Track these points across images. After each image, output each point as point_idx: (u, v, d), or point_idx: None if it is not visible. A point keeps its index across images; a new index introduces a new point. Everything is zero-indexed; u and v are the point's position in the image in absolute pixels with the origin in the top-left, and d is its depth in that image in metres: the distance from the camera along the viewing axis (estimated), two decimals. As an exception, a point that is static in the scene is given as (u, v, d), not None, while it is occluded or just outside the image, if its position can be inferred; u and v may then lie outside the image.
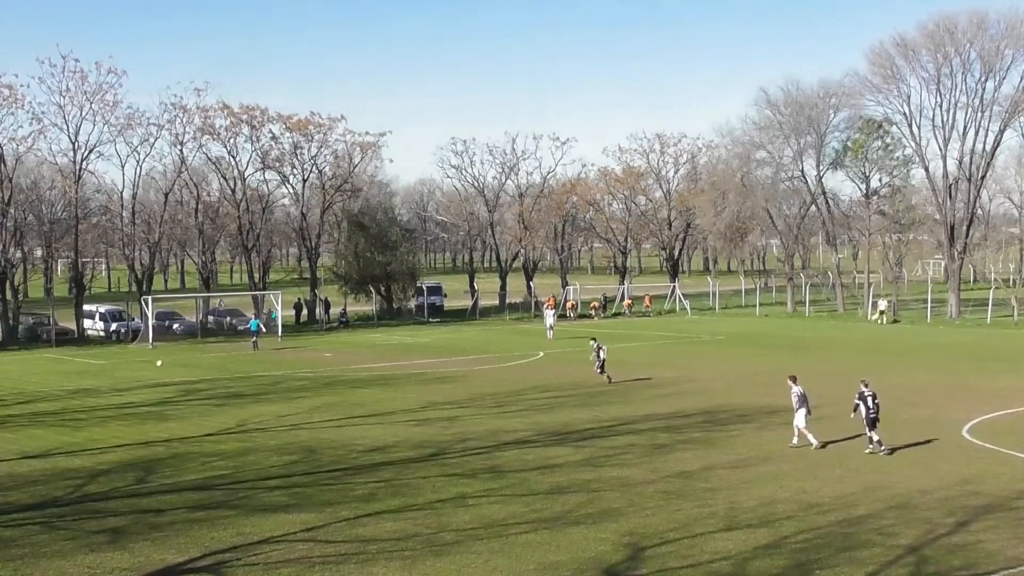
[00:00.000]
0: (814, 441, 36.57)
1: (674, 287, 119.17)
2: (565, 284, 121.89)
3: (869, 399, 36.05)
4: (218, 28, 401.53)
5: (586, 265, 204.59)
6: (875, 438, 35.72)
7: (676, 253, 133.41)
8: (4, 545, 26.21)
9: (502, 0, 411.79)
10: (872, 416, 35.80)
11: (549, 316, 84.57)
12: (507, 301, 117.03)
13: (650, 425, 42.14)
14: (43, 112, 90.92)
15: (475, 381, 57.26)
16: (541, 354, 70.85)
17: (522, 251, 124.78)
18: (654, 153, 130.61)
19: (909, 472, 32.66)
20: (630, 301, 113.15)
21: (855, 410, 36.50)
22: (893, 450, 35.62)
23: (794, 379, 38.20)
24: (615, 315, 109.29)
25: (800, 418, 37.12)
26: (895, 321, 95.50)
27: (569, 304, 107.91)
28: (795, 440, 36.45)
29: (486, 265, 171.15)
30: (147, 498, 31.04)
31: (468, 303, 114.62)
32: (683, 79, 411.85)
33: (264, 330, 79.30)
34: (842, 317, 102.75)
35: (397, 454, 37.10)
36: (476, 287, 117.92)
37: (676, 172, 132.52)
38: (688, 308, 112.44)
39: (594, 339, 57.27)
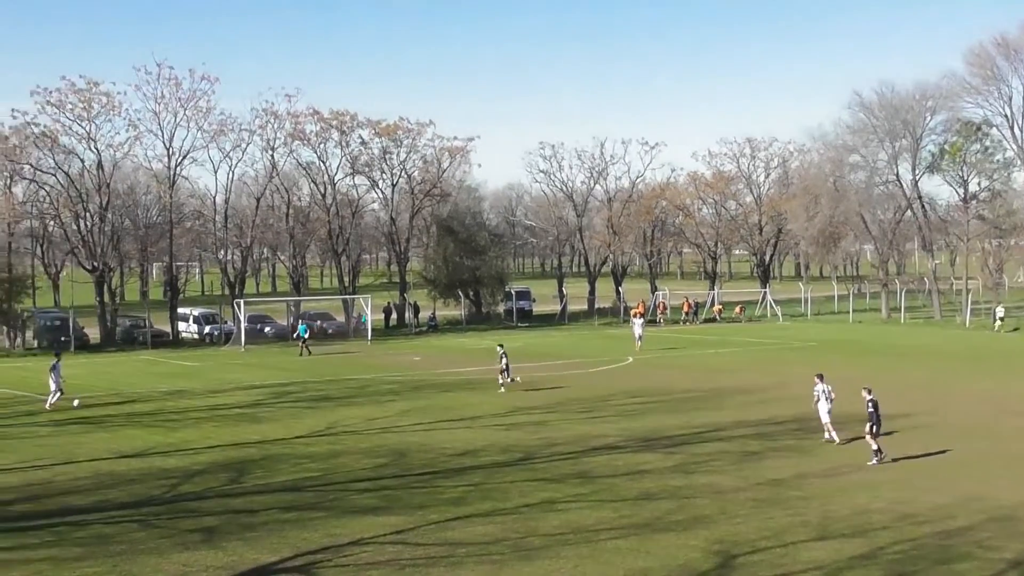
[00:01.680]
0: (836, 437, 38.93)
1: (765, 293, 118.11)
2: (654, 290, 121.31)
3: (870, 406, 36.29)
4: (308, 35, 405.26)
5: (675, 270, 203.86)
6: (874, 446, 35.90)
7: (767, 258, 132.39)
8: (103, 542, 26.67)
9: (590, 5, 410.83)
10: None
11: (638, 326, 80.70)
12: (596, 306, 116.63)
13: (741, 432, 41.94)
14: (139, 119, 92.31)
15: (565, 386, 57.17)
16: (630, 359, 70.65)
17: (611, 256, 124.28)
18: (744, 157, 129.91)
19: (1010, 484, 32.13)
20: (720, 307, 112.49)
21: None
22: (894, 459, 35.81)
23: (820, 377, 40.23)
24: (707, 320, 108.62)
25: (823, 412, 39.43)
26: (1015, 329, 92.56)
27: (660, 308, 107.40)
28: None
29: (575, 270, 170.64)
30: (240, 498, 31.42)
31: (557, 308, 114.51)
32: (774, 83, 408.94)
33: (306, 337, 79.22)
34: (939, 324, 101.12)
35: (486, 458, 37.22)
36: (565, 292, 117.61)
37: (767, 176, 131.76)
38: (779, 314, 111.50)
39: (501, 345, 58.09)
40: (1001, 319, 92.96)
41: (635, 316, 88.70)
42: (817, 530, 27.14)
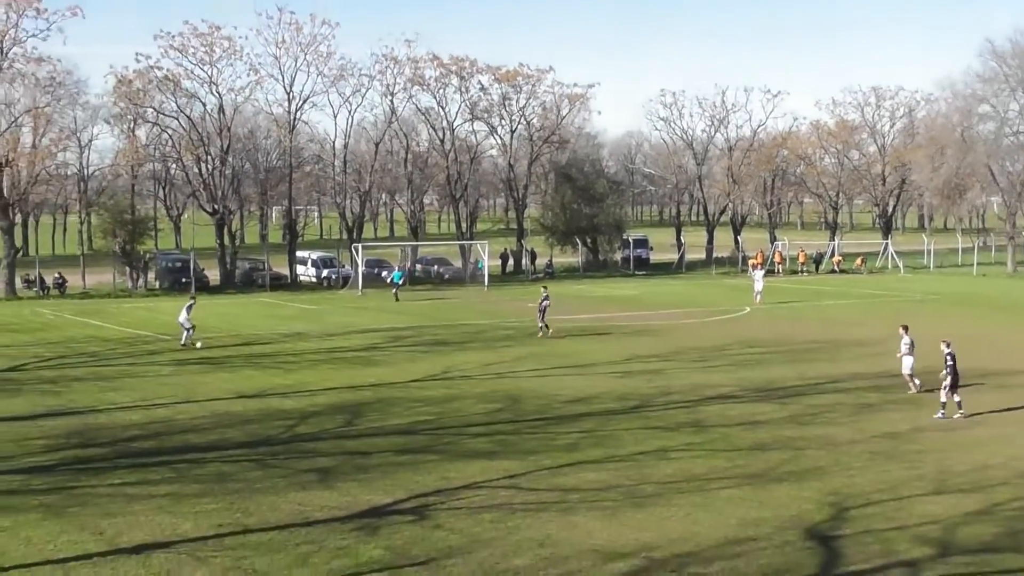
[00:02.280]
0: (915, 386, 39.06)
1: (887, 244, 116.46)
2: (773, 239, 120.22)
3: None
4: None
5: (795, 220, 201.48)
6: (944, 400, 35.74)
7: (889, 209, 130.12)
8: (221, 480, 27.24)
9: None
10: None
11: (759, 280, 76.68)
12: (714, 255, 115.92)
13: (857, 384, 41.52)
14: (260, 63, 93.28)
15: (679, 335, 57.07)
16: (747, 309, 70.20)
17: (730, 205, 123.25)
18: (869, 107, 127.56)
19: None
20: (840, 258, 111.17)
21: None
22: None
23: (905, 328, 39.90)
24: (831, 272, 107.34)
25: (907, 366, 39.35)
26: None
27: (778, 259, 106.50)
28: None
29: (693, 219, 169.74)
30: (354, 440, 31.88)
31: (674, 256, 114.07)
32: (901, 31, 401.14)
33: (400, 284, 79.43)
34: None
35: (600, 405, 37.29)
36: (683, 240, 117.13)
37: (892, 126, 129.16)
38: (901, 266, 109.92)
39: (544, 287, 60.46)
40: None
41: (753, 268, 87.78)
42: (933, 484, 26.86)
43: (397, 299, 77.72)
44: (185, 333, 52.02)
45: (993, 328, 59.72)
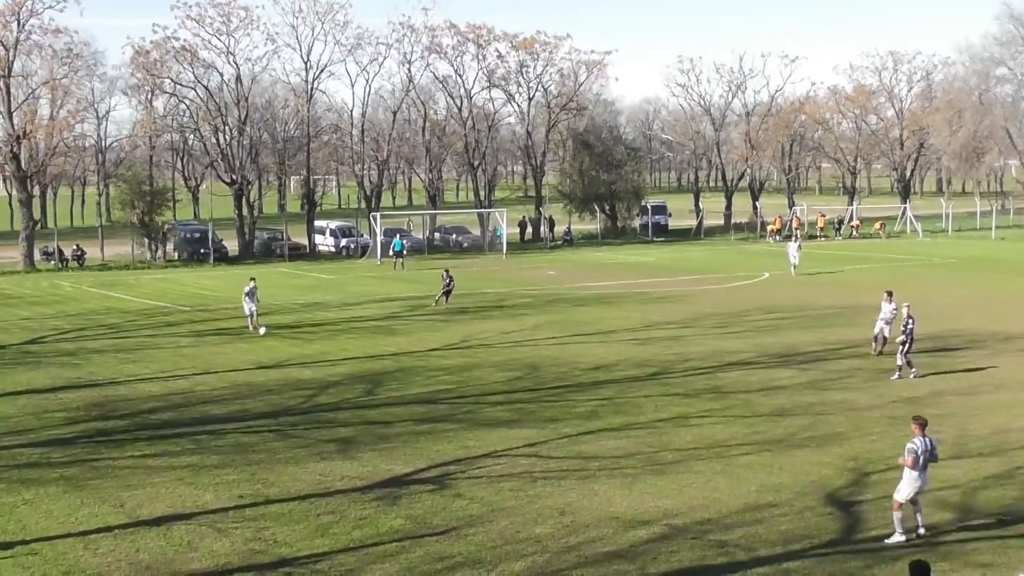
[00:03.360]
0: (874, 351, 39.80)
1: (905, 208, 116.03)
2: (792, 205, 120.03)
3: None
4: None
5: (814, 185, 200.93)
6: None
7: (908, 173, 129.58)
8: (242, 450, 27.33)
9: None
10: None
11: (793, 253, 70.41)
12: (732, 221, 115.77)
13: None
14: (277, 33, 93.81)
15: (698, 301, 56.99)
16: (766, 275, 70.02)
17: (748, 171, 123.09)
18: (887, 71, 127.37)
19: None
20: (859, 222, 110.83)
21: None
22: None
23: (890, 294, 40.25)
24: (850, 236, 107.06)
25: (877, 328, 40.11)
26: None
27: (795, 223, 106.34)
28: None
29: (711, 185, 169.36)
30: (374, 410, 31.90)
31: (693, 223, 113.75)
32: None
33: (403, 253, 79.38)
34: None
35: (619, 373, 37.29)
36: (701, 207, 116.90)
37: (910, 90, 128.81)
38: (919, 230, 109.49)
39: (447, 270, 57.35)
40: None
41: (775, 235, 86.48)
42: (953, 449, 26.76)
43: (394, 267, 77.90)
44: (250, 320, 48.42)
45: (1014, 291, 59.46)
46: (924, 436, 20.81)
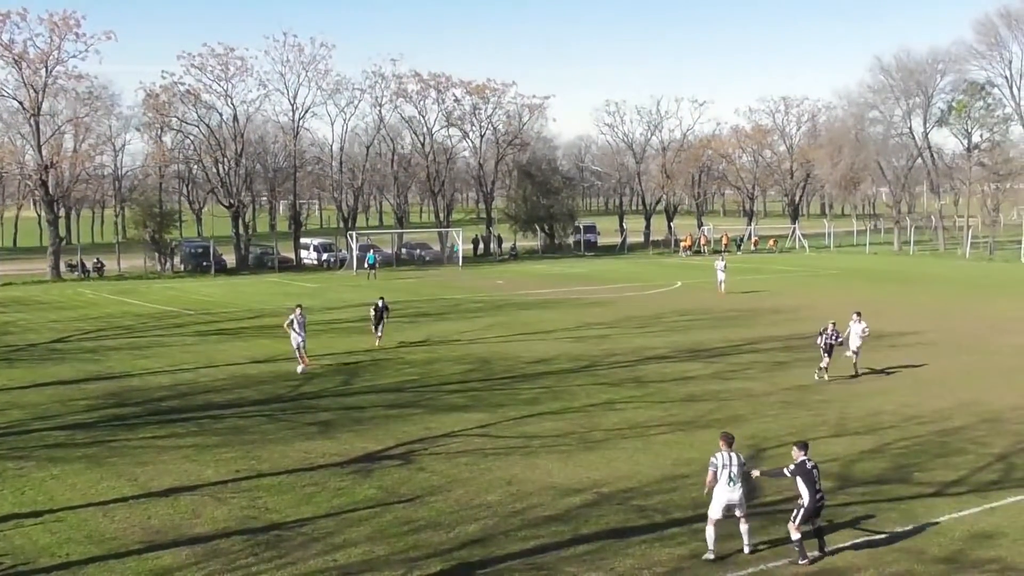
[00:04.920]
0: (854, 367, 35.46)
1: (795, 228, 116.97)
2: (700, 225, 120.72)
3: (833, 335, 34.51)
4: (411, 6, 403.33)
5: (719, 209, 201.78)
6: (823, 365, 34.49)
7: (796, 199, 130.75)
8: (238, 432, 27.14)
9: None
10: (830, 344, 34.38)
11: (720, 269, 64.05)
12: (651, 239, 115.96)
13: (771, 345, 41.74)
14: (268, 79, 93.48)
15: (622, 306, 57.09)
16: (679, 284, 70.26)
17: (664, 196, 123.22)
18: (779, 113, 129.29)
19: (1001, 391, 31.75)
20: (757, 239, 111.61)
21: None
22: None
23: (858, 315, 35.90)
24: (749, 251, 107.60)
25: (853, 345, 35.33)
26: None
27: (702, 240, 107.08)
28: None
29: (633, 208, 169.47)
30: (351, 397, 31.74)
31: (618, 240, 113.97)
32: (808, 49, 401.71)
33: (375, 264, 79.32)
34: (943, 256, 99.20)
35: (556, 365, 37.30)
36: (625, 226, 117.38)
37: (798, 129, 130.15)
38: (807, 246, 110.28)
39: (299, 305, 38.89)
40: None
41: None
42: (834, 428, 27.03)
43: (367, 278, 77.31)
44: (298, 352, 36.71)
45: (884, 296, 59.99)
46: (730, 451, 18.12)
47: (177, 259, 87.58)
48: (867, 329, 35.35)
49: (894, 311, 53.06)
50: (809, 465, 17.93)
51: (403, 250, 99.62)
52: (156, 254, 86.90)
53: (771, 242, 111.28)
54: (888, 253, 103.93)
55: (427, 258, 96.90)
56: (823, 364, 34.39)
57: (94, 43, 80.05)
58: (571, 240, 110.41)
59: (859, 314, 35.91)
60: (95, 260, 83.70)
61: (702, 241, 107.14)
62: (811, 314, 51.65)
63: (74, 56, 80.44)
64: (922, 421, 27.83)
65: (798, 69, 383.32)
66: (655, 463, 23.84)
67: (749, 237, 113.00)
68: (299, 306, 38.18)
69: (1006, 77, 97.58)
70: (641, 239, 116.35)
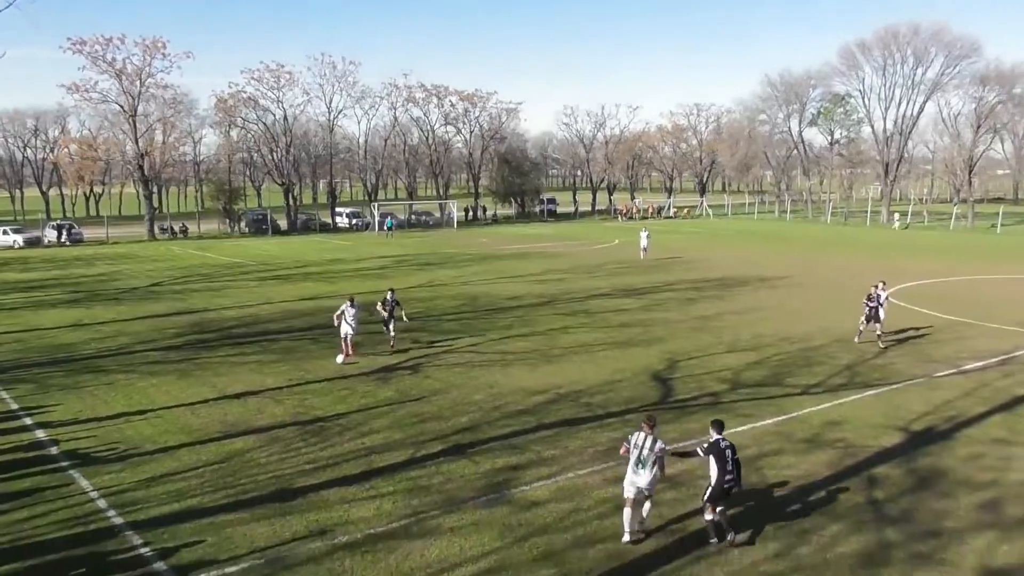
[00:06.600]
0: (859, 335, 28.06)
1: (702, 200, 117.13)
2: (632, 197, 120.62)
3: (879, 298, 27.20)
4: (416, 30, 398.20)
5: (647, 186, 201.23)
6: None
7: (704, 179, 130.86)
8: (289, 351, 27.20)
9: (613, 17, 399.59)
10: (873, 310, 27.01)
11: (644, 237, 56.23)
12: (596, 207, 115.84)
13: (684, 286, 41.85)
14: (309, 89, 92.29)
15: (575, 257, 57.14)
16: (617, 241, 70.24)
17: (606, 177, 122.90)
18: (693, 115, 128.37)
19: (848, 319, 31.98)
20: (676, 209, 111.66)
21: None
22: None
23: (883, 283, 28.20)
24: (667, 218, 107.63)
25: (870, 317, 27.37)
26: (906, 227, 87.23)
27: (634, 209, 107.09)
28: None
29: (583, 185, 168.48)
30: (374, 326, 31.78)
31: (572, 209, 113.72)
32: (714, 67, 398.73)
33: (392, 228, 79.69)
34: (811, 222, 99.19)
35: (526, 301, 37.39)
36: (577, 199, 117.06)
37: (707, 127, 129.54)
38: (711, 214, 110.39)
39: (392, 290, 30.29)
40: (899, 220, 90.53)
41: (625, 215, 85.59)
42: (728, 347, 27.28)
43: (386, 237, 77.01)
44: (344, 342, 25.93)
45: (766, 251, 60.26)
46: (650, 434, 13.60)
47: (243, 223, 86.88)
48: (887, 297, 28.09)
49: (774, 262, 53.40)
50: (723, 445, 13.63)
51: (413, 216, 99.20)
52: (227, 220, 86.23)
53: (685, 211, 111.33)
54: (771, 219, 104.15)
55: (430, 223, 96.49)
56: (878, 330, 27.14)
57: (177, 61, 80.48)
58: (537, 209, 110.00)
59: (884, 283, 28.42)
60: (180, 224, 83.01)
61: (634, 210, 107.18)
62: (712, 264, 51.94)
63: (161, 71, 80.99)
64: (792, 341, 28.13)
65: (707, 82, 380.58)
66: (598, 371, 24.08)
67: (668, 208, 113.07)
68: (352, 299, 26.66)
69: (860, 91, 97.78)
70: (589, 208, 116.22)
